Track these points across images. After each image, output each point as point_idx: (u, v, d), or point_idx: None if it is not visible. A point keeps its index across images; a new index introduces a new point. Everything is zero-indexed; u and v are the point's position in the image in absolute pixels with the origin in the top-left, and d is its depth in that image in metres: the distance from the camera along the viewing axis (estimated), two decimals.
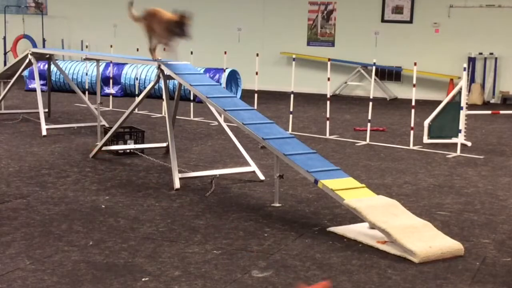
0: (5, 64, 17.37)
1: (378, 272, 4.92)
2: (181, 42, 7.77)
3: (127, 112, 8.32)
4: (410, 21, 16.01)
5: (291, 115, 10.95)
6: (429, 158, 9.08)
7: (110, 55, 11.72)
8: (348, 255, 5.24)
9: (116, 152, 8.71)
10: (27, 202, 6.51)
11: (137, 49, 12.72)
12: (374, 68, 10.96)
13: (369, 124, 10.20)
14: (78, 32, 18.13)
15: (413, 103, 9.88)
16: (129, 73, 14.72)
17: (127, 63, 14.58)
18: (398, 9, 16.07)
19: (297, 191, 7.14)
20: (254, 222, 6.04)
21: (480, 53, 15.41)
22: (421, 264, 5.08)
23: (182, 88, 8.31)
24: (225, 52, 11.94)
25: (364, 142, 10.01)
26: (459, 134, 9.63)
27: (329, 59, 11.04)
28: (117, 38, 17.05)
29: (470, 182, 7.78)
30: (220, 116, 8.21)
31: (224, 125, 8.19)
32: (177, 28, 7.58)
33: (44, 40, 18.43)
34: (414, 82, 9.93)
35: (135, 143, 8.87)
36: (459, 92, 9.90)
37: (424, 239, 5.31)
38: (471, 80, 15.21)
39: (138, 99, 8.44)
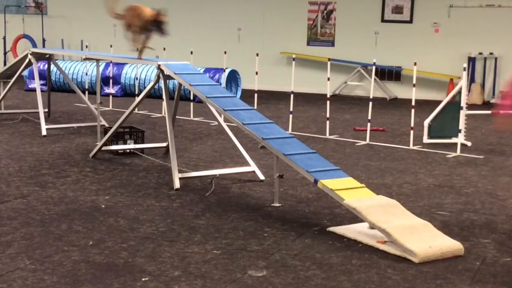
0: (5, 64, 17.37)
1: (378, 272, 4.92)
2: (159, 38, 8.02)
3: (127, 112, 8.32)
4: (410, 21, 16.01)
5: (291, 115, 10.95)
6: (429, 158, 9.08)
7: (110, 55, 11.71)
8: (348, 255, 5.25)
9: (116, 152, 8.72)
10: (27, 202, 6.51)
11: (137, 49, 12.72)
12: (374, 68, 10.96)
13: (369, 124, 10.20)
14: (78, 32, 18.13)
15: (413, 103, 9.88)
16: (129, 73, 14.73)
17: (127, 63, 14.58)
18: (398, 9, 16.07)
19: (297, 191, 7.14)
20: (254, 222, 6.04)
21: (480, 53, 15.41)
22: (421, 264, 5.08)
23: (182, 88, 8.31)
24: (225, 52, 11.93)
25: (364, 142, 10.01)
26: (459, 134, 9.63)
27: (329, 59, 11.04)
28: (117, 38, 16.98)
29: (470, 182, 7.78)
30: (220, 116, 8.21)
31: (224, 125, 8.19)
32: (154, 25, 7.85)
33: (44, 40, 18.44)
34: (414, 82, 9.93)
35: (135, 143, 8.87)
36: (459, 92, 9.90)
37: (424, 239, 5.30)
38: (471, 80, 15.21)
39: (138, 99, 8.44)
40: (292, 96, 10.98)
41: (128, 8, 8.20)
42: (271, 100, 14.44)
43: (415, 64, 9.98)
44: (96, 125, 9.79)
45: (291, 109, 10.96)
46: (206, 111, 10.46)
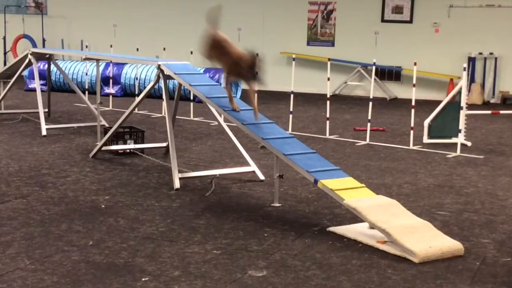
0: (5, 64, 17.37)
1: (378, 272, 4.92)
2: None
3: (127, 112, 8.32)
4: (410, 21, 16.01)
5: (291, 115, 10.95)
6: (429, 158, 9.08)
7: (110, 55, 11.71)
8: (348, 255, 5.25)
9: (116, 152, 8.72)
10: (27, 202, 6.51)
11: (137, 49, 12.73)
12: (374, 68, 10.96)
13: (369, 124, 10.20)
14: (78, 32, 18.13)
15: (413, 103, 9.88)
16: (129, 73, 14.72)
17: (127, 63, 14.58)
18: (398, 9, 16.07)
19: (297, 191, 7.14)
20: (254, 222, 6.04)
21: (480, 53, 15.40)
22: (421, 264, 5.08)
23: (182, 88, 8.31)
24: None
25: (364, 142, 10.01)
26: (459, 134, 9.63)
27: (329, 59, 11.04)
28: (117, 38, 17.04)
29: (470, 182, 7.78)
30: (220, 116, 8.21)
31: (224, 125, 8.20)
32: (247, 70, 6.61)
33: (44, 40, 18.43)
34: (414, 82, 9.93)
35: (135, 143, 8.87)
36: (459, 92, 9.91)
37: (424, 239, 5.30)
38: (471, 80, 15.21)
39: (138, 99, 8.44)
40: (292, 96, 10.98)
41: (213, 39, 6.96)
42: (271, 100, 14.45)
43: (415, 64, 9.98)
44: (96, 125, 9.79)
45: (291, 109, 10.96)
46: (206, 111, 10.46)
